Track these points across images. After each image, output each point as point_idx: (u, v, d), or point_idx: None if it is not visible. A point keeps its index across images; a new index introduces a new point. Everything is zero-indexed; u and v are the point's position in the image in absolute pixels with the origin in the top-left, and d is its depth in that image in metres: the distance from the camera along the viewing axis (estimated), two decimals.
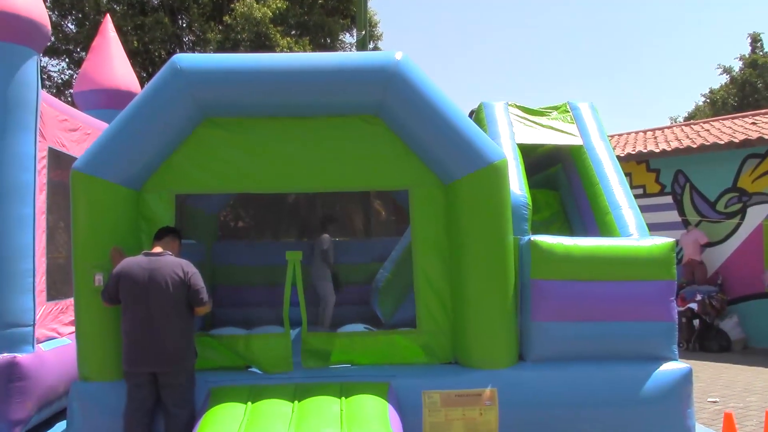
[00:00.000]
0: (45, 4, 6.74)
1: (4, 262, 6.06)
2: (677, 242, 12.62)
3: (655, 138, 15.41)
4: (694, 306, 12.34)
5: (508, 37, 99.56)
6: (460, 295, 5.69)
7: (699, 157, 13.15)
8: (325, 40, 20.79)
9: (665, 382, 5.56)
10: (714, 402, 8.22)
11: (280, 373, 5.60)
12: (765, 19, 60.50)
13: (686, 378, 5.61)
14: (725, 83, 34.86)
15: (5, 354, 5.97)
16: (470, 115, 7.72)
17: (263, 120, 5.79)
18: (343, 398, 5.14)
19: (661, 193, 13.90)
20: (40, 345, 6.38)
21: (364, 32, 14.51)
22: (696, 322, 12.44)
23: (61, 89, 20.61)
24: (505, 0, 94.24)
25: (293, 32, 20.39)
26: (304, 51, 18.65)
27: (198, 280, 5.25)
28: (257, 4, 18.93)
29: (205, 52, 19.55)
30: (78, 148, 7.33)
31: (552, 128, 7.43)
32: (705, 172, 13.22)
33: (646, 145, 14.46)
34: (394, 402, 5.24)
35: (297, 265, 5.65)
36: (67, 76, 20.90)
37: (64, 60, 20.77)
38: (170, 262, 5.23)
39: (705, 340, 12.33)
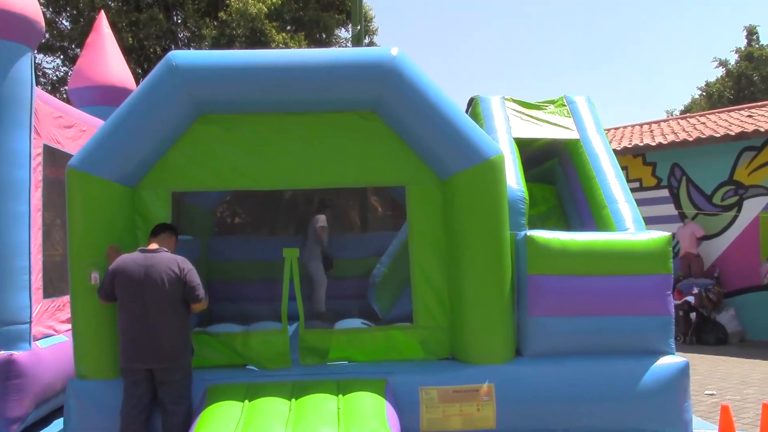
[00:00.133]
0: (39, 0, 6.70)
1: (0, 260, 6.04)
2: (674, 235, 12.63)
3: (652, 131, 15.41)
4: (691, 299, 12.36)
5: (504, 31, 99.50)
6: (457, 290, 5.69)
7: (695, 150, 13.15)
8: (320, 36, 20.76)
9: (662, 376, 5.57)
10: (711, 395, 8.24)
11: (278, 370, 5.60)
12: (761, 12, 60.56)
13: (683, 372, 5.62)
14: (721, 76, 34.88)
15: (2, 351, 5.95)
16: (469, 104, 7.71)
17: (259, 117, 5.77)
18: (340, 396, 5.14)
19: (658, 186, 13.90)
20: (37, 342, 6.36)
21: (359, 27, 14.50)
22: (693, 315, 12.47)
23: (56, 86, 20.56)
24: None
25: (288, 28, 20.35)
26: (300, 47, 18.62)
27: (194, 276, 5.25)
28: None
29: (200, 48, 19.50)
30: (73, 145, 7.30)
31: (549, 122, 7.42)
32: (701, 165, 13.22)
33: (642, 139, 14.46)
34: (392, 398, 5.24)
35: (294, 263, 5.65)
36: (62, 73, 20.85)
37: (59, 57, 20.71)
38: (166, 258, 5.22)
39: (702, 332, 12.34)
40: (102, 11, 11.09)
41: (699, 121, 15.21)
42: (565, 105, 7.64)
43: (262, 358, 5.65)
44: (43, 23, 6.62)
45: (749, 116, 13.89)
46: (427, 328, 5.81)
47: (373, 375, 5.47)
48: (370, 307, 8.14)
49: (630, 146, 13.99)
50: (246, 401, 5.07)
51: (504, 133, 6.99)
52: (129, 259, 5.20)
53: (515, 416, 5.47)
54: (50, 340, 6.61)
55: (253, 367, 5.71)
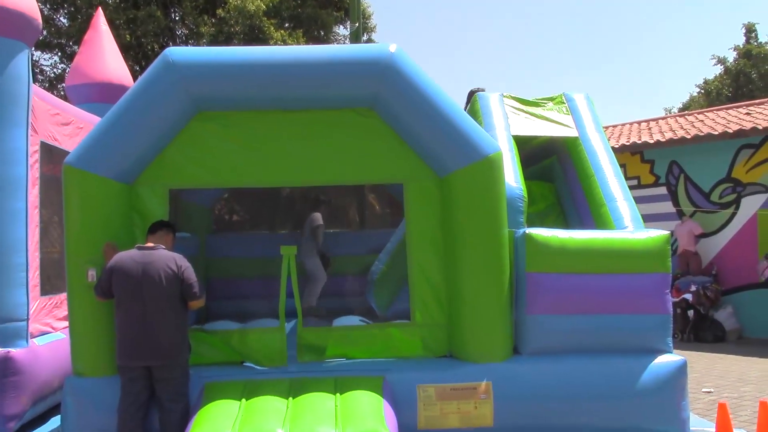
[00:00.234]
0: None
1: None
2: (672, 233, 12.63)
3: (650, 129, 15.41)
4: (688, 297, 12.37)
5: (502, 29, 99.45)
6: (455, 288, 5.68)
7: (693, 148, 13.15)
8: (318, 33, 20.75)
9: (660, 375, 5.56)
10: (708, 392, 8.24)
11: (275, 368, 5.59)
12: (760, 10, 60.55)
13: (681, 370, 5.62)
14: (720, 74, 34.88)
15: None
16: (469, 96, 7.69)
17: (257, 113, 5.76)
18: (337, 394, 5.13)
19: (656, 184, 13.91)
20: (34, 340, 6.36)
21: (357, 24, 14.50)
22: (691, 312, 12.47)
23: (53, 83, 20.53)
24: None
25: (287, 25, 20.33)
26: (298, 44, 18.59)
27: (191, 274, 5.24)
28: None
29: (198, 45, 19.48)
30: (70, 142, 7.29)
31: (547, 119, 7.41)
32: (699, 163, 13.23)
33: (640, 136, 14.46)
34: (389, 396, 5.23)
35: (292, 260, 5.64)
36: (59, 70, 20.83)
37: (57, 54, 20.69)
38: (163, 255, 5.21)
39: (700, 330, 12.36)
40: (99, 8, 11.08)
41: (697, 118, 15.20)
42: (563, 102, 7.62)
43: (258, 355, 5.64)
44: (40, 20, 6.60)
45: (747, 114, 13.89)
46: (425, 326, 5.80)
47: (371, 372, 5.46)
48: (368, 305, 8.13)
49: (628, 144, 13.99)
50: (243, 399, 5.06)
51: (503, 131, 6.98)
52: (126, 256, 5.19)
53: (513, 414, 5.46)
54: (47, 338, 6.61)
55: (250, 364, 5.70)
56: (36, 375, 6.19)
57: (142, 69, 18.33)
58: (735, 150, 12.66)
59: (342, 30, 22.74)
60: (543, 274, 5.58)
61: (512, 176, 6.24)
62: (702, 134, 12.86)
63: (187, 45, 19.87)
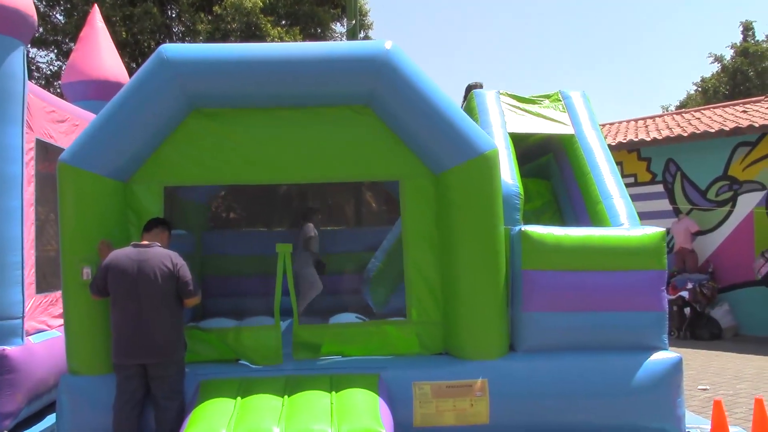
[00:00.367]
0: None
1: None
2: (668, 231, 12.65)
3: (646, 127, 15.42)
4: (685, 294, 12.38)
5: (500, 25, 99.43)
6: (451, 285, 5.67)
7: (690, 146, 13.16)
8: (315, 30, 20.71)
9: (655, 372, 5.56)
10: (704, 390, 8.26)
11: (270, 366, 5.58)
12: (757, 8, 60.62)
13: (676, 367, 5.62)
14: (717, 72, 34.89)
15: None
16: (467, 91, 7.69)
17: (253, 111, 5.74)
18: (333, 391, 5.12)
19: (652, 181, 13.92)
20: (30, 337, 6.35)
21: (354, 22, 14.47)
22: (687, 310, 12.48)
23: (50, 80, 20.48)
24: None
25: (283, 22, 20.30)
26: (295, 41, 18.57)
27: (186, 271, 5.23)
28: None
29: (194, 42, 19.44)
30: (66, 139, 7.27)
31: (544, 117, 7.41)
32: (696, 161, 13.24)
33: (637, 134, 14.47)
34: (385, 393, 5.23)
35: (287, 258, 5.63)
36: (56, 68, 20.77)
37: (53, 51, 20.62)
38: (159, 253, 5.20)
39: (696, 328, 12.37)
40: (96, 5, 11.05)
41: (694, 116, 15.22)
42: (560, 100, 7.62)
43: (254, 353, 5.63)
44: (35, 17, 6.59)
45: (744, 111, 13.91)
46: (420, 323, 5.80)
47: (366, 370, 5.46)
48: (365, 302, 8.14)
49: (625, 141, 14.00)
50: (239, 397, 5.05)
51: (499, 128, 6.98)
52: (122, 254, 5.18)
53: (508, 411, 5.46)
54: (43, 336, 6.60)
55: (245, 363, 5.68)
56: (31, 373, 6.19)
57: (139, 66, 18.19)
58: (731, 148, 12.68)
59: (339, 27, 22.73)
60: (539, 271, 5.57)
61: (508, 173, 6.24)
62: (699, 132, 12.87)
63: (183, 42, 19.84)
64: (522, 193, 6.26)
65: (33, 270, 6.50)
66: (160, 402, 5.15)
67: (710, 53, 44.59)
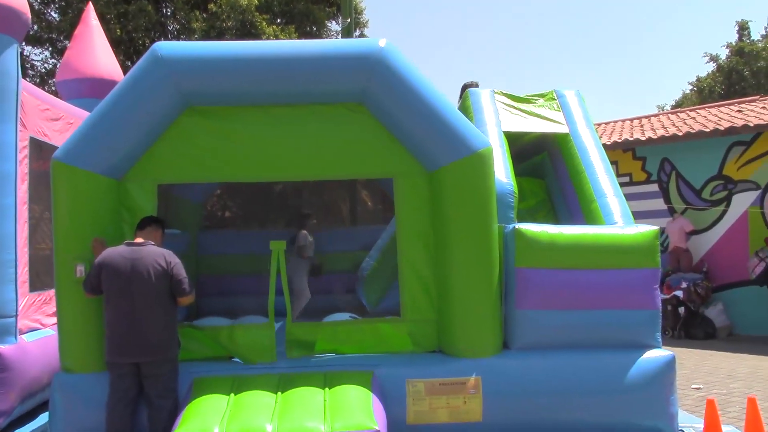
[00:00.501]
0: None
1: None
2: (663, 230, 12.67)
3: (642, 126, 15.43)
4: (679, 293, 12.39)
5: (495, 24, 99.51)
6: (445, 283, 5.68)
7: (685, 145, 13.17)
8: (310, 28, 20.72)
9: (648, 370, 5.58)
10: (697, 389, 8.27)
11: (264, 363, 5.58)
12: (753, 7, 60.77)
13: (669, 365, 5.64)
14: (712, 71, 34.95)
15: None
16: (463, 90, 7.70)
17: (247, 108, 5.74)
18: (326, 388, 5.12)
19: (647, 181, 13.93)
20: (23, 336, 6.34)
21: (349, 20, 14.45)
22: (681, 309, 12.50)
23: (44, 78, 20.43)
24: None
25: (279, 20, 20.29)
26: (290, 39, 18.56)
27: (180, 270, 5.22)
28: None
29: (189, 40, 19.42)
30: (60, 137, 7.26)
31: (538, 116, 7.42)
32: (691, 160, 13.25)
33: (632, 133, 14.47)
34: (378, 391, 5.23)
35: (281, 255, 5.63)
36: (50, 66, 20.73)
37: (48, 49, 20.59)
38: (152, 251, 5.20)
39: (690, 327, 12.38)
40: (90, 3, 11.02)
41: (689, 115, 15.23)
42: (554, 99, 7.63)
43: (247, 352, 5.62)
44: (29, 14, 6.57)
45: (739, 111, 13.93)
46: (414, 321, 5.80)
47: (360, 367, 5.46)
48: (359, 301, 8.13)
49: (620, 141, 14.00)
50: (232, 394, 5.05)
51: (493, 127, 6.98)
52: (115, 252, 5.17)
53: (502, 409, 5.47)
54: (36, 334, 6.59)
55: (239, 360, 5.68)
56: (25, 371, 6.18)
57: (133, 64, 18.23)
58: (726, 147, 12.69)
59: (334, 25, 22.74)
60: (532, 269, 5.58)
61: (503, 172, 6.25)
62: (694, 131, 12.88)
63: (178, 40, 19.82)
64: (516, 191, 6.27)
65: (26, 268, 6.49)
66: (153, 400, 5.14)
67: (706, 53, 44.72)
